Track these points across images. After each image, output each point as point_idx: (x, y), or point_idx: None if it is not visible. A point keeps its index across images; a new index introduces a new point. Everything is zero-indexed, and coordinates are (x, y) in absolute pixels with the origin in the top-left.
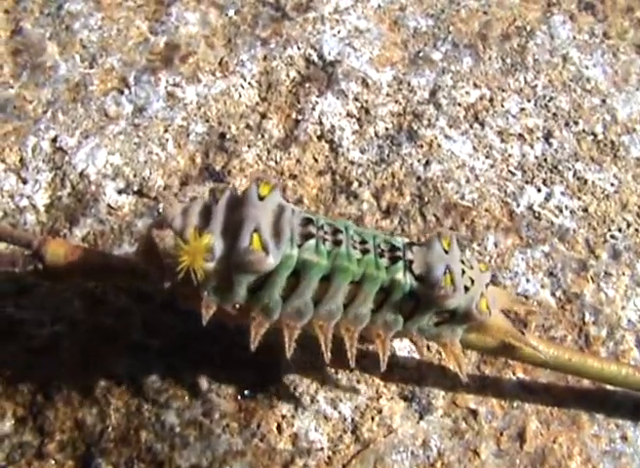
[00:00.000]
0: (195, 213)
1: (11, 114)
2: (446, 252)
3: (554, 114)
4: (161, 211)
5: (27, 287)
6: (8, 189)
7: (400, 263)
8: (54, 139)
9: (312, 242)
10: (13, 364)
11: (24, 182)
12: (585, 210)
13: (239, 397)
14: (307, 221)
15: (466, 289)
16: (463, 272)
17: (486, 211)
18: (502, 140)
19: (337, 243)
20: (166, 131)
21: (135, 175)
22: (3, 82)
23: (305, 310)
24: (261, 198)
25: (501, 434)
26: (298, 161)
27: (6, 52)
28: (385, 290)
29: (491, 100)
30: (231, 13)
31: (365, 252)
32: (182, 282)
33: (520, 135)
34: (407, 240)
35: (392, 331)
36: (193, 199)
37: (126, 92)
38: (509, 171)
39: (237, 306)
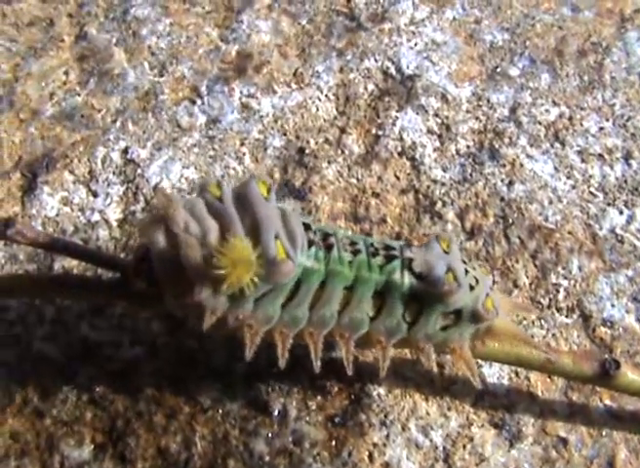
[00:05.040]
0: (205, 214)
1: (79, 123)
2: (446, 252)
3: (633, 134)
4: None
5: (100, 306)
6: (77, 202)
7: (397, 262)
8: (124, 151)
9: (313, 250)
10: (90, 387)
11: (95, 195)
12: None
13: (329, 424)
14: (307, 227)
15: (471, 287)
16: (467, 272)
17: (569, 233)
18: (583, 160)
19: (329, 247)
20: (242, 144)
21: None
22: (69, 89)
23: (302, 317)
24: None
25: (592, 463)
26: (379, 178)
27: (72, 57)
28: (382, 293)
29: (570, 119)
30: (304, 22)
31: (356, 253)
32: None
33: (600, 155)
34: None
35: (394, 337)
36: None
37: (198, 102)
38: (591, 192)
39: (240, 317)
